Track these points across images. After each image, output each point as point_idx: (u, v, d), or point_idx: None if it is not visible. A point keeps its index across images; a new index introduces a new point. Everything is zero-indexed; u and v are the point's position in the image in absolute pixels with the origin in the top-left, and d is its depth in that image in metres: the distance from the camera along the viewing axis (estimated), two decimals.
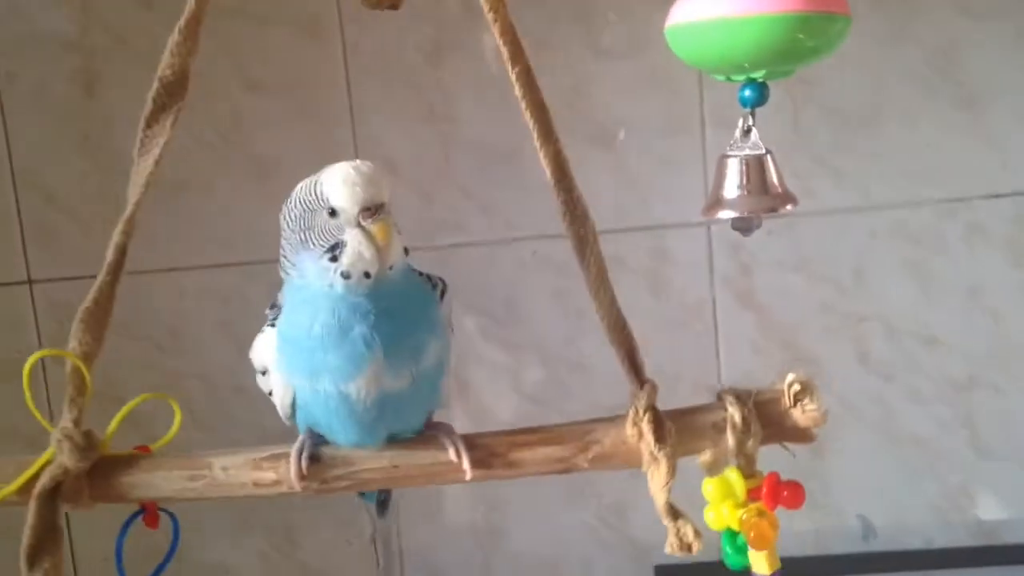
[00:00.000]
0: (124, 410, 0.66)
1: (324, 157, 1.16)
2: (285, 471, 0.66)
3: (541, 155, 0.65)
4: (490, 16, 0.64)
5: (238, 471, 0.67)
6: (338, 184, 0.61)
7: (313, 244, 0.62)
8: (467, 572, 1.25)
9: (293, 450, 0.66)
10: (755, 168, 0.66)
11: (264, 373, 0.68)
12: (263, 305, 1.12)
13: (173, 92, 0.66)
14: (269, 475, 0.67)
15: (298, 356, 0.64)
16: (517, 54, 0.64)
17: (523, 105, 0.64)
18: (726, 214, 0.67)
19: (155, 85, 0.66)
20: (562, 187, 0.66)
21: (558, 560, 1.24)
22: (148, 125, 0.66)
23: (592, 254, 0.66)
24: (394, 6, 0.69)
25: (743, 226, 0.69)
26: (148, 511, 0.70)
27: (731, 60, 0.61)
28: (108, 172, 1.15)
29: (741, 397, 0.66)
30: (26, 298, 1.19)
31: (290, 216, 0.63)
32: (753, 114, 0.65)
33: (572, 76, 1.15)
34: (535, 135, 0.65)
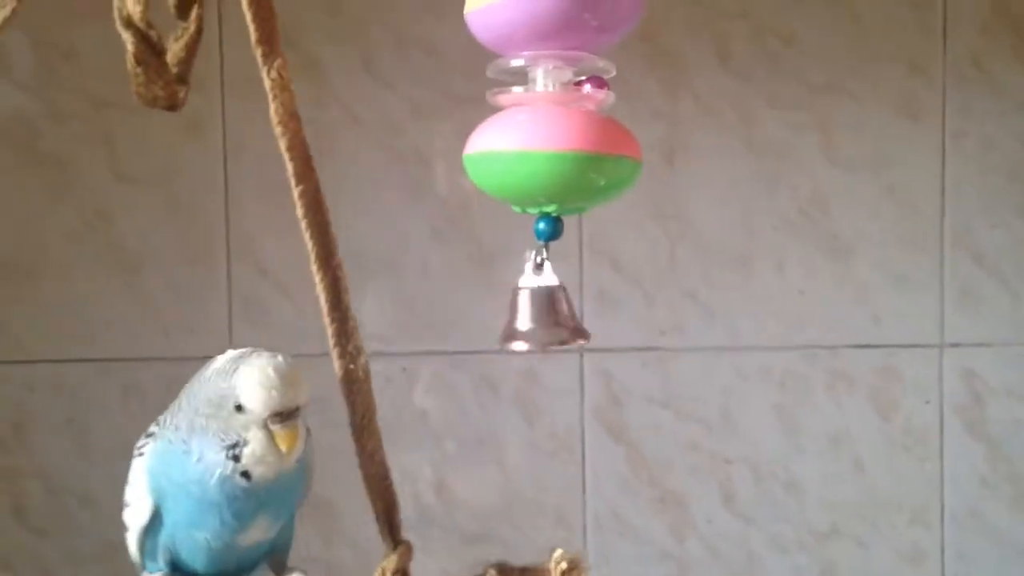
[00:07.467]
0: None
1: (193, 255, 1.13)
2: None
3: (317, 280, 0.61)
4: (278, 129, 0.61)
5: None
6: (253, 385, 0.57)
7: (212, 434, 0.58)
8: None
9: None
10: (546, 301, 0.65)
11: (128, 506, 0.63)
12: (115, 405, 1.06)
13: None
14: None
15: (180, 514, 0.60)
16: (304, 173, 0.61)
17: (303, 226, 0.60)
18: (519, 346, 0.65)
19: None
20: (335, 317, 0.61)
21: None
22: None
23: (360, 393, 0.61)
24: (172, 108, 0.64)
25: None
26: None
27: (523, 192, 0.61)
28: None
29: (505, 572, 0.62)
30: None
31: (196, 395, 0.59)
32: (547, 247, 0.64)
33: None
34: (313, 259, 0.60)
